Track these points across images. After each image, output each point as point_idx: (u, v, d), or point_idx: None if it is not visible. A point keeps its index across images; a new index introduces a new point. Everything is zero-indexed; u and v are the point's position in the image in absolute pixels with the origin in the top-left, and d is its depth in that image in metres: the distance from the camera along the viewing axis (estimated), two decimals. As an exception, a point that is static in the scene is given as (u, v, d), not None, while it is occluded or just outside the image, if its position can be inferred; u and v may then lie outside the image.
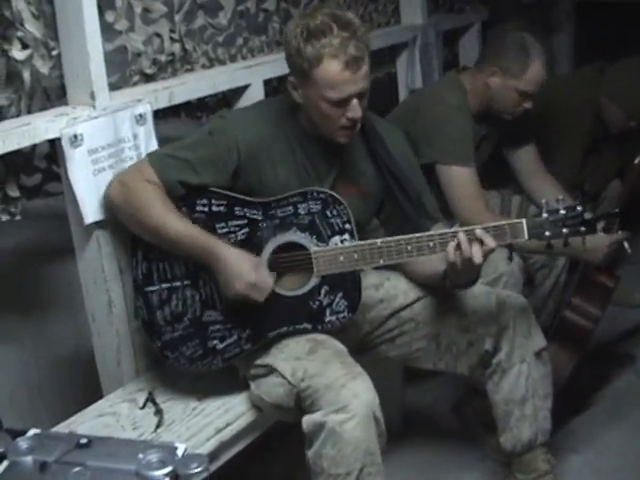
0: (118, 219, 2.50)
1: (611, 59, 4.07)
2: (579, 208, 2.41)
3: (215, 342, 2.47)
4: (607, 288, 3.25)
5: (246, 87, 3.05)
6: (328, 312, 2.47)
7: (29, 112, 2.43)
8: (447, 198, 3.18)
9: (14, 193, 2.46)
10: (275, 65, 3.13)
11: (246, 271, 2.35)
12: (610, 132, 3.86)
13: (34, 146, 2.48)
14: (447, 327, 2.67)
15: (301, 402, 2.39)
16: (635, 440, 3.19)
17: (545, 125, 3.64)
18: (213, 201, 2.45)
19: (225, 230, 2.45)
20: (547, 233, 2.40)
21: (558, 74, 4.71)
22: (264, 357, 2.48)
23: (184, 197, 2.45)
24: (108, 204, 2.50)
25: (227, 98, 3.10)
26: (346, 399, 2.28)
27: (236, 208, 2.46)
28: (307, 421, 2.35)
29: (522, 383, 2.68)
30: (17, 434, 1.78)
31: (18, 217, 2.47)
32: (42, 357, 2.98)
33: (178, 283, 2.48)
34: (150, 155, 2.52)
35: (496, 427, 2.77)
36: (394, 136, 2.69)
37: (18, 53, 2.38)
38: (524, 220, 2.40)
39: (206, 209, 2.45)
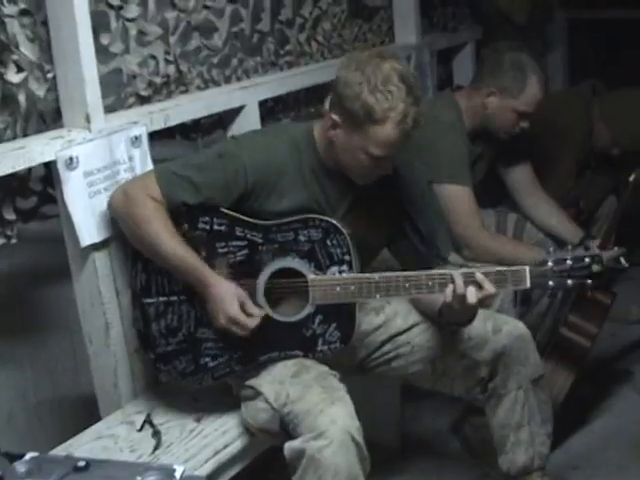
0: (120, 233, 2.51)
1: (604, 77, 4.10)
2: (587, 260, 2.37)
3: (207, 359, 2.47)
4: (604, 305, 3.25)
5: (241, 108, 3.05)
6: (320, 341, 2.45)
7: (25, 135, 2.44)
8: (443, 216, 3.18)
9: (10, 216, 2.46)
10: (270, 86, 3.14)
11: (229, 306, 2.34)
12: (594, 151, 3.89)
13: (30, 169, 2.48)
14: (443, 352, 2.65)
15: (285, 427, 2.37)
16: (634, 456, 3.18)
17: (538, 142, 3.65)
18: (215, 220, 2.44)
19: (225, 250, 2.45)
20: (550, 283, 2.37)
21: (551, 91, 4.73)
22: (253, 378, 2.47)
23: (187, 213, 2.43)
24: (111, 211, 2.49)
25: (222, 119, 3.10)
26: (323, 425, 2.25)
27: (237, 229, 2.45)
28: (288, 448, 2.32)
29: (518, 410, 2.66)
30: (14, 458, 1.77)
31: (14, 240, 2.46)
32: (40, 379, 2.97)
33: (175, 298, 2.48)
34: (157, 170, 2.49)
35: (495, 446, 2.76)
36: (408, 166, 2.66)
37: (13, 76, 2.38)
38: (527, 267, 2.36)
39: (207, 227, 2.44)
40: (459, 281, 2.34)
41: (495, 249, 3.18)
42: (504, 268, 2.38)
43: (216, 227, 2.45)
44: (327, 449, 2.24)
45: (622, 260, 3.17)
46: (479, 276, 2.35)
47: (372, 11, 3.94)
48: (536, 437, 2.70)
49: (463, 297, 2.34)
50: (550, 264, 2.36)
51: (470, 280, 2.35)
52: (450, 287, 2.35)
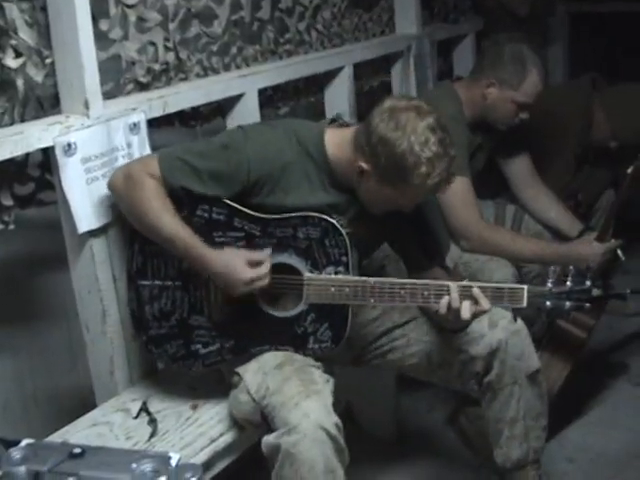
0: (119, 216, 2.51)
1: (604, 71, 4.10)
2: (588, 283, 2.36)
3: (198, 346, 2.47)
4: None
5: (240, 96, 3.04)
6: (311, 340, 2.45)
7: (22, 121, 2.43)
8: (442, 207, 3.17)
9: (7, 202, 2.45)
10: (269, 74, 3.13)
11: (241, 271, 2.32)
12: (591, 144, 3.89)
13: (27, 155, 2.47)
14: (439, 346, 2.65)
15: (265, 418, 2.36)
16: (629, 449, 3.19)
17: (538, 134, 3.64)
18: (214, 209, 2.43)
19: (222, 239, 2.43)
20: (548, 304, 2.37)
21: (551, 84, 4.73)
22: (241, 365, 2.47)
23: (186, 199, 2.42)
24: (111, 192, 2.48)
25: (221, 107, 3.10)
26: (296, 419, 2.24)
27: (236, 219, 2.44)
28: (265, 443, 2.31)
29: (513, 405, 2.66)
30: (10, 444, 1.78)
31: (12, 226, 2.46)
32: (36, 366, 2.97)
33: (170, 283, 2.48)
34: (161, 153, 2.46)
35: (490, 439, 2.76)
36: None
37: (11, 61, 2.37)
38: (526, 287, 2.35)
39: (206, 215, 2.43)
40: (455, 294, 2.34)
41: (493, 240, 3.18)
42: (503, 285, 2.38)
43: (215, 216, 2.44)
44: (301, 443, 2.21)
45: (619, 252, 3.18)
46: (475, 291, 2.34)
47: (372, 1, 3.93)
48: (531, 431, 2.70)
49: (457, 311, 2.34)
50: (549, 285, 2.36)
51: (466, 294, 2.35)
52: (445, 299, 2.35)
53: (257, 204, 2.44)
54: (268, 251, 2.39)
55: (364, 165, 2.36)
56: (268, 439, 2.29)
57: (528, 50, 3.26)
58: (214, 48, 3.06)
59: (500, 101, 3.27)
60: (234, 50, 3.14)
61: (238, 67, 3.17)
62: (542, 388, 2.73)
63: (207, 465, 2.38)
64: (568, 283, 2.35)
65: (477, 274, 3.07)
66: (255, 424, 2.42)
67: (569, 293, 2.35)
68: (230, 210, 2.44)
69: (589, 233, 3.34)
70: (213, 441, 2.43)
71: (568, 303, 2.36)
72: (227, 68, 3.12)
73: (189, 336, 2.47)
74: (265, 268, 2.36)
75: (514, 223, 3.58)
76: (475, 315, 2.36)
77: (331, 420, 2.26)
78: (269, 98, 3.32)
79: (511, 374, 2.63)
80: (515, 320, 2.75)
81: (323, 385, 2.36)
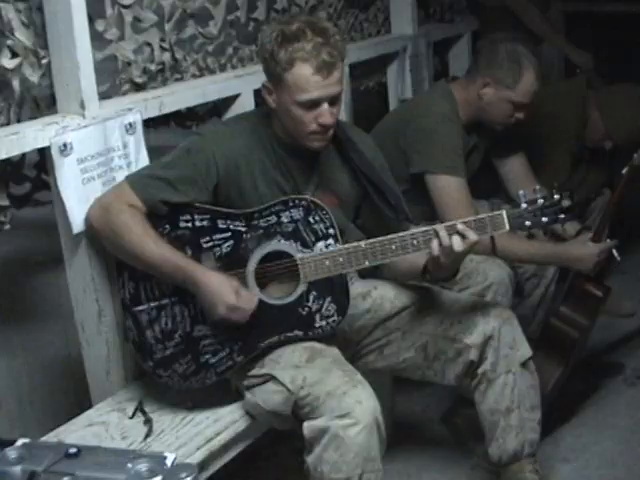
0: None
1: (599, 70, 4.10)
2: (556, 197, 2.46)
3: (207, 356, 2.47)
4: (596, 297, 3.25)
5: (236, 96, 3.05)
6: (318, 317, 2.47)
7: (18, 121, 2.43)
8: (436, 207, 3.18)
9: (3, 202, 2.46)
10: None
11: (226, 295, 2.35)
12: (587, 144, 3.89)
13: (23, 155, 2.47)
14: (434, 337, 2.69)
15: (299, 410, 2.40)
16: (625, 449, 3.19)
17: (533, 134, 3.65)
18: (196, 216, 2.45)
19: (210, 244, 2.45)
20: (527, 223, 2.46)
21: (546, 84, 4.73)
22: (259, 368, 2.49)
23: (167, 215, 2.45)
24: (89, 229, 2.49)
25: (217, 107, 3.10)
26: (349, 406, 2.30)
27: (219, 221, 2.46)
28: (308, 427, 2.36)
29: (507, 394, 2.68)
30: (6, 444, 1.77)
31: (7, 226, 2.46)
32: (32, 366, 2.98)
33: (166, 300, 2.48)
34: (129, 178, 2.50)
35: (485, 436, 2.77)
36: (366, 142, 2.72)
37: (7, 62, 2.38)
38: (504, 211, 2.45)
39: (190, 225, 2.45)
40: (443, 233, 2.40)
41: (487, 241, 3.18)
42: (482, 215, 2.46)
43: (198, 223, 2.46)
44: (353, 428, 2.29)
45: (615, 253, 3.18)
46: (460, 226, 2.42)
47: (368, 1, 3.93)
48: (525, 422, 2.72)
49: (450, 248, 2.40)
50: (524, 205, 2.45)
51: (452, 232, 2.41)
52: (435, 241, 2.41)
53: (233, 201, 2.49)
54: (257, 296, 2.42)
55: (265, 82, 2.48)
56: (314, 423, 2.35)
57: (524, 49, 3.26)
58: (210, 48, 3.06)
59: (496, 101, 3.27)
60: (230, 50, 3.15)
61: (234, 67, 3.18)
62: (535, 378, 2.77)
63: (203, 465, 2.38)
64: (539, 201, 2.45)
65: (472, 274, 3.07)
66: (282, 415, 2.45)
67: (542, 209, 2.45)
68: (212, 214, 2.46)
69: (585, 233, 3.34)
70: (209, 441, 2.43)
71: (544, 218, 2.46)
72: (223, 68, 3.13)
73: (196, 349, 2.47)
74: (251, 305, 2.39)
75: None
76: (464, 252, 2.42)
77: (379, 409, 2.35)
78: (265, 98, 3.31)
79: (505, 362, 2.67)
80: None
81: (362, 376, 2.42)
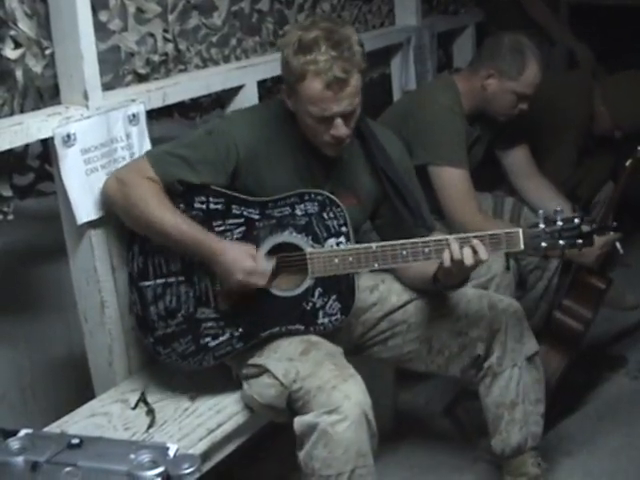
0: (115, 214, 2.50)
1: (604, 63, 4.09)
2: (577, 220, 2.41)
3: (207, 339, 2.47)
4: (599, 290, 3.25)
5: (240, 88, 3.04)
6: (321, 314, 2.47)
7: (22, 111, 2.42)
8: (439, 199, 3.18)
9: (7, 193, 2.45)
10: (269, 66, 3.12)
11: (243, 260, 2.36)
12: (593, 135, 3.88)
13: (27, 145, 2.47)
14: (439, 330, 2.68)
15: (292, 403, 2.40)
16: (627, 442, 3.19)
17: (537, 126, 3.64)
18: (211, 199, 2.46)
19: (222, 228, 2.45)
20: (543, 244, 2.41)
21: (551, 75, 4.72)
22: (257, 357, 2.49)
23: (182, 194, 2.46)
24: (105, 199, 2.49)
25: (221, 99, 3.09)
26: (337, 401, 2.29)
27: (234, 206, 2.46)
28: (298, 422, 2.36)
29: (513, 387, 2.68)
30: (8, 434, 1.78)
31: (11, 217, 2.46)
32: (34, 357, 2.98)
33: (173, 279, 2.48)
34: (149, 153, 2.52)
35: (488, 429, 2.77)
36: (393, 143, 2.69)
37: (11, 52, 2.37)
38: (520, 230, 2.40)
39: (204, 206, 2.46)
40: (455, 246, 2.37)
41: (492, 232, 3.18)
42: (498, 231, 2.41)
43: (212, 206, 2.46)
44: (341, 424, 2.28)
45: (618, 245, 3.18)
46: (474, 242, 2.38)
47: (372, -8, 3.92)
48: (529, 416, 2.72)
49: (460, 261, 2.36)
50: (542, 225, 2.41)
51: (466, 244, 2.38)
52: (447, 252, 2.38)
53: (250, 187, 2.49)
54: (273, 261, 2.42)
55: (283, 85, 2.47)
56: (303, 418, 2.34)
57: (526, 40, 3.26)
58: (213, 39, 3.05)
59: (499, 92, 3.27)
60: (233, 42, 3.14)
61: (237, 58, 3.16)
62: (540, 372, 2.76)
63: (205, 456, 2.38)
64: (559, 223, 2.40)
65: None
66: (277, 410, 2.45)
67: (561, 231, 2.40)
68: (227, 198, 2.46)
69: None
70: (211, 432, 2.44)
71: (561, 241, 2.41)
72: (226, 60, 3.12)
73: (197, 330, 2.48)
74: (269, 268, 2.39)
75: (513, 215, 3.57)
76: (474, 266, 2.39)
77: (369, 404, 2.33)
78: (269, 90, 3.31)
79: (511, 356, 2.66)
80: (508, 269, 2.79)
81: (354, 370, 2.41)
